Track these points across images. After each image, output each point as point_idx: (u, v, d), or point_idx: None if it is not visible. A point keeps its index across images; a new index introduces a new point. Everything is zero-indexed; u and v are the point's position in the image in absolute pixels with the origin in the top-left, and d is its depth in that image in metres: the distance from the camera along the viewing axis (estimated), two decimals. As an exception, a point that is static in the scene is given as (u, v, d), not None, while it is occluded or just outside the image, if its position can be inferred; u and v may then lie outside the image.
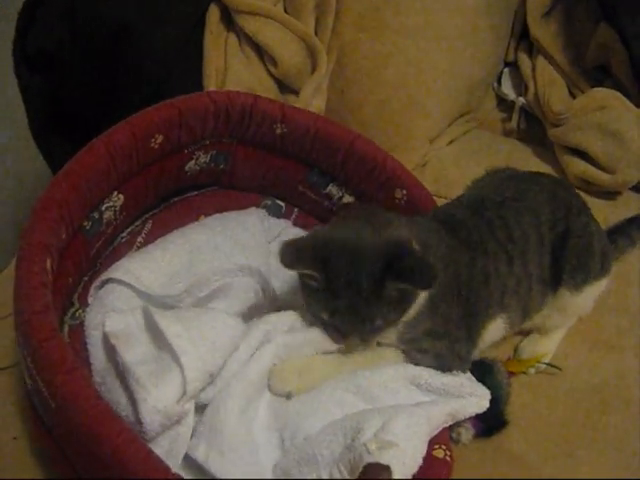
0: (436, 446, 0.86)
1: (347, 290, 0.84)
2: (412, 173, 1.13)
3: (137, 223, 1.12)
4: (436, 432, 0.87)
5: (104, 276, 1.00)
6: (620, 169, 1.31)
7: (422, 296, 0.90)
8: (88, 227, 0.98)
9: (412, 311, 0.90)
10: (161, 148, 1.04)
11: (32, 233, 0.85)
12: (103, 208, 1.00)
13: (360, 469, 0.77)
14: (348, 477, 0.78)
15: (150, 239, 1.09)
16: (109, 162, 0.97)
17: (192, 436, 0.85)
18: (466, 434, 0.96)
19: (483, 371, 0.98)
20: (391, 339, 0.93)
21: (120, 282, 0.99)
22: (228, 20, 1.33)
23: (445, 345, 0.94)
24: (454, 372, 0.95)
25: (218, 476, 0.82)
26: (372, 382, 0.91)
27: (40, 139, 1.31)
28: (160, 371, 0.84)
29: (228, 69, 1.31)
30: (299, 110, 1.14)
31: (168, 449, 0.84)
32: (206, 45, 1.30)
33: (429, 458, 0.83)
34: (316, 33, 1.37)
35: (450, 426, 0.94)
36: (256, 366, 0.90)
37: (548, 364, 1.07)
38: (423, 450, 0.81)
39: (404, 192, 1.09)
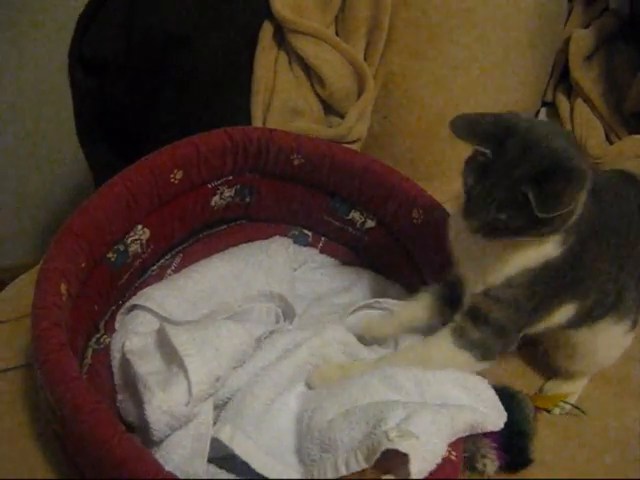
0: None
1: (499, 171, 0.83)
2: (427, 193, 1.14)
3: (167, 257, 1.15)
4: (454, 438, 0.85)
5: (128, 303, 1.04)
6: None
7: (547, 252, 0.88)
8: (113, 259, 1.02)
9: (525, 262, 0.88)
10: (181, 184, 1.08)
11: (49, 260, 0.92)
12: (128, 241, 1.04)
13: (377, 455, 0.77)
14: (364, 464, 0.78)
15: (179, 272, 1.13)
16: (129, 198, 1.01)
17: (216, 423, 0.89)
18: (491, 465, 0.96)
19: (511, 402, 0.97)
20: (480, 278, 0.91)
21: (144, 308, 1.03)
22: (280, 38, 1.35)
23: (513, 318, 0.92)
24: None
25: (242, 456, 0.84)
26: (399, 372, 0.91)
27: (85, 144, 1.33)
28: (169, 378, 0.89)
29: (276, 86, 1.32)
30: (313, 140, 1.17)
31: (191, 450, 0.86)
32: (257, 61, 1.31)
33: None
34: (365, 58, 1.38)
35: (474, 456, 0.94)
36: (289, 361, 0.94)
37: (573, 405, 1.08)
38: (443, 450, 0.80)
39: (420, 212, 1.11)
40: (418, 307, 1.02)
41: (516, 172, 0.82)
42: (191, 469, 0.84)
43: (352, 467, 0.79)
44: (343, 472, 0.79)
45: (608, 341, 1.04)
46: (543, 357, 1.05)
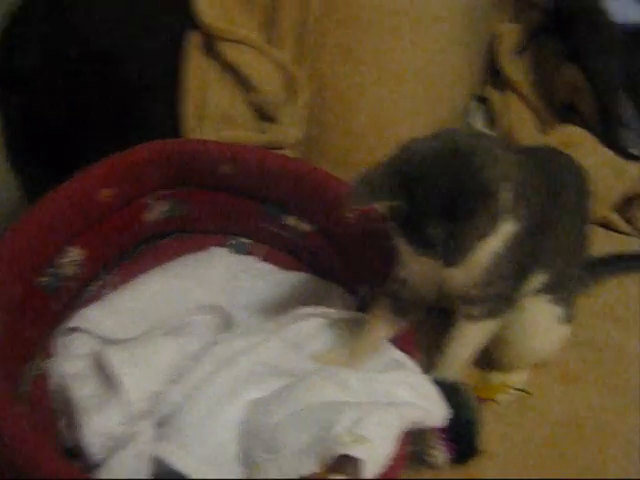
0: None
1: (415, 220, 0.84)
2: None
3: (105, 276, 1.14)
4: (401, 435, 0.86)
5: (65, 326, 1.02)
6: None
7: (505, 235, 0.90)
8: (46, 283, 1.00)
9: (495, 250, 0.90)
10: (111, 202, 1.07)
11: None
12: (60, 263, 1.02)
13: (329, 461, 0.77)
14: (313, 468, 0.78)
15: (117, 290, 1.11)
16: (57, 220, 1.00)
17: (161, 439, 0.87)
18: (441, 457, 0.97)
19: (454, 394, 0.98)
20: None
21: (81, 330, 1.01)
22: (209, 45, 1.34)
23: (505, 287, 0.96)
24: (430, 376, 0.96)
25: (180, 470, 0.83)
26: (347, 372, 0.92)
27: (16, 161, 1.30)
28: (104, 401, 0.88)
29: (207, 95, 1.31)
30: (242, 148, 1.17)
31: (134, 469, 0.85)
32: (186, 70, 1.30)
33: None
34: (297, 63, 1.38)
35: (423, 449, 0.95)
36: (228, 372, 0.93)
37: (519, 389, 1.09)
38: (392, 449, 0.81)
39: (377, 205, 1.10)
40: (381, 323, 1.02)
41: (428, 219, 0.82)
42: None
43: (301, 471, 0.78)
44: (292, 475, 0.79)
45: (542, 324, 1.06)
46: (483, 351, 1.06)
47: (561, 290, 1.04)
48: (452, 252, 0.82)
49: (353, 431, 0.78)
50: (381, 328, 1.00)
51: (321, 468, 0.78)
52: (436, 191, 0.82)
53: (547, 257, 1.00)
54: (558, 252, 1.02)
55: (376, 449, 0.78)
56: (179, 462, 0.84)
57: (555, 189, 1.00)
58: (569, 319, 1.08)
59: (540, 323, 1.06)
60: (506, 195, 0.86)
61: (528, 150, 1.04)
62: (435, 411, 0.91)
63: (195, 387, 0.91)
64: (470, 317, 0.99)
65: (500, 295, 0.97)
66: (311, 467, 0.78)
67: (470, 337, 1.02)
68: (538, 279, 1.02)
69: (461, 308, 1.00)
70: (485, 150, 0.85)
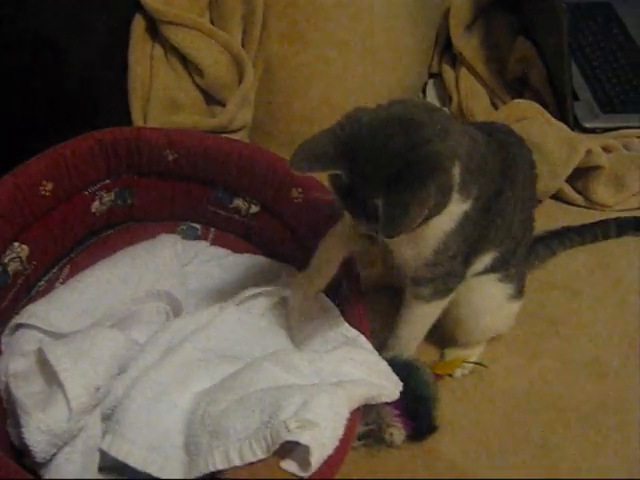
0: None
1: (357, 190, 0.81)
2: None
3: (54, 270, 1.12)
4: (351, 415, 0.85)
5: (12, 323, 1.00)
6: (541, 178, 1.33)
7: (457, 213, 0.88)
8: None
9: (444, 229, 0.89)
10: (53, 195, 1.05)
11: None
12: (6, 260, 1.00)
13: (276, 447, 0.76)
14: (260, 454, 0.77)
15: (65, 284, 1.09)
16: (-3, 215, 0.97)
17: (105, 432, 0.87)
18: (398, 435, 0.98)
19: (408, 371, 0.98)
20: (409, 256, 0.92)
21: (28, 326, 0.99)
22: (154, 30, 1.31)
23: (453, 266, 0.94)
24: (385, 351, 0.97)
25: (122, 459, 0.83)
26: (293, 352, 0.92)
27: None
28: (47, 398, 0.86)
29: (153, 81, 1.30)
30: (184, 133, 1.15)
31: (81, 464, 0.85)
32: (131, 57, 1.28)
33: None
34: (243, 45, 1.36)
35: (380, 427, 0.95)
36: (173, 359, 0.92)
37: (474, 362, 1.10)
38: (340, 432, 0.80)
39: (299, 190, 1.10)
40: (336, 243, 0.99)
41: (369, 189, 0.80)
42: None
43: (247, 457, 0.77)
44: (236, 462, 0.77)
45: (492, 303, 1.06)
46: (436, 329, 1.07)
47: (510, 268, 1.04)
48: (390, 222, 0.78)
49: (299, 415, 0.77)
50: (336, 247, 0.98)
51: (268, 454, 0.77)
52: (379, 160, 0.79)
53: (498, 236, 0.99)
54: (509, 231, 1.01)
55: (323, 433, 0.77)
56: (123, 453, 0.83)
57: (509, 169, 0.98)
58: (519, 295, 1.08)
59: (490, 302, 1.06)
60: (456, 172, 0.84)
61: (482, 127, 1.02)
62: (388, 386, 0.90)
63: (138, 378, 0.89)
64: (419, 297, 0.98)
65: (449, 274, 0.96)
66: (258, 453, 0.77)
67: (420, 316, 1.02)
68: (488, 258, 1.01)
69: (410, 288, 0.99)
70: (435, 123, 0.82)
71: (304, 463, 0.76)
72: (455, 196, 0.86)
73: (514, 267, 1.05)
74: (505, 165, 0.97)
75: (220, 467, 0.78)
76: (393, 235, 0.80)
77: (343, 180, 0.82)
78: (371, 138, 0.80)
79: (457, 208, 0.88)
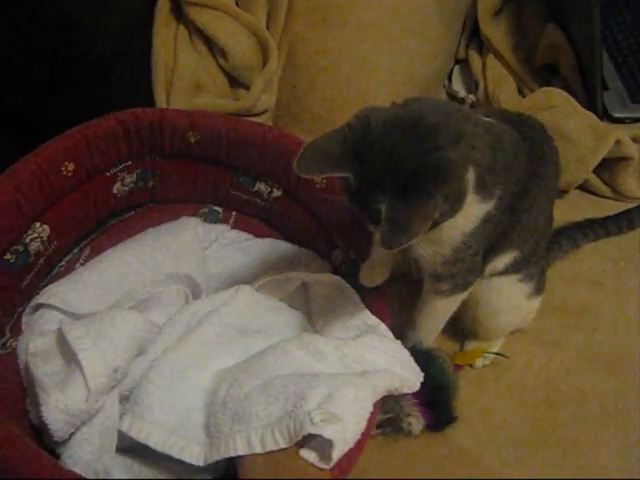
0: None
1: (364, 193, 0.78)
2: None
3: (75, 251, 1.12)
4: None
5: (32, 303, 1.00)
6: (567, 168, 1.33)
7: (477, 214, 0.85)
8: (12, 260, 0.99)
9: (463, 230, 0.86)
10: (75, 175, 1.05)
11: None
12: (27, 240, 1.01)
13: (299, 438, 0.75)
14: (281, 443, 0.76)
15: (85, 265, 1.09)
16: (18, 197, 0.97)
17: (124, 413, 0.87)
18: (417, 424, 0.97)
19: (428, 360, 0.98)
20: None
21: (49, 306, 0.99)
22: (178, 12, 1.31)
23: (474, 263, 0.92)
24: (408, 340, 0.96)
25: (142, 440, 0.83)
26: (318, 338, 0.91)
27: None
28: (66, 377, 0.87)
29: (177, 63, 1.29)
30: (207, 115, 1.14)
31: (99, 445, 0.85)
32: (155, 37, 1.28)
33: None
34: (268, 27, 1.35)
35: (399, 416, 0.95)
36: (193, 339, 0.92)
37: (495, 353, 1.09)
38: (363, 426, 0.78)
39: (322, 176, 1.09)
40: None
41: (375, 193, 0.77)
42: (100, 465, 0.83)
43: (268, 445, 0.76)
44: (257, 449, 0.76)
45: (511, 302, 1.05)
46: (456, 322, 1.06)
47: (530, 267, 1.02)
48: (389, 235, 0.75)
49: (324, 407, 0.76)
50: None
51: (290, 444, 0.76)
52: (387, 165, 0.76)
53: (522, 236, 0.97)
54: (534, 231, 0.98)
55: (347, 427, 0.76)
56: (143, 435, 0.83)
57: (537, 167, 0.94)
58: (538, 292, 1.07)
59: (510, 301, 1.04)
60: (470, 177, 0.81)
61: (512, 120, 0.97)
62: (410, 377, 0.90)
63: (157, 359, 0.90)
64: (438, 292, 0.97)
65: (469, 270, 0.94)
66: (280, 442, 0.76)
67: (439, 310, 1.01)
68: (509, 257, 0.98)
69: (429, 283, 0.98)
70: (450, 126, 0.78)
71: (324, 455, 0.75)
72: (473, 198, 0.83)
73: (534, 265, 1.03)
74: (533, 163, 0.93)
75: (241, 452, 0.77)
76: (392, 247, 0.76)
77: (351, 182, 0.80)
78: (380, 141, 0.77)
79: (477, 210, 0.85)
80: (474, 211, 0.85)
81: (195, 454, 0.82)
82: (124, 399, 0.90)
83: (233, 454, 0.78)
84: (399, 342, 0.94)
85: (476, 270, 0.95)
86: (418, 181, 0.75)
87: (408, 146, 0.76)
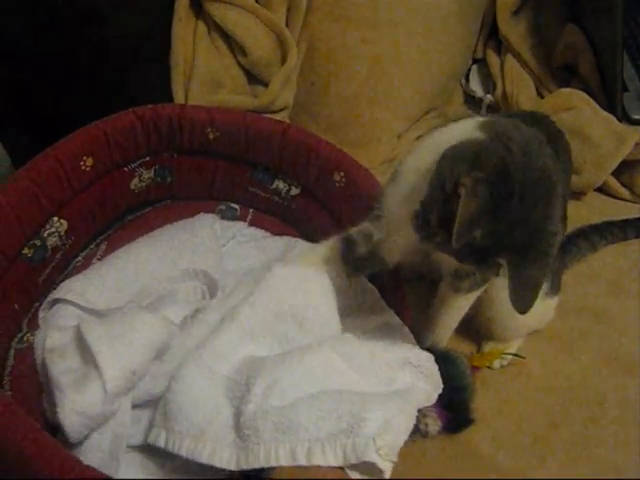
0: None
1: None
2: (348, 155, 1.11)
3: (91, 246, 1.12)
4: None
5: (49, 298, 1.00)
6: (586, 170, 1.33)
7: None
8: (30, 254, 0.99)
9: None
10: (94, 170, 1.05)
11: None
12: (45, 234, 1.01)
13: (358, 461, 0.74)
14: (331, 460, 0.75)
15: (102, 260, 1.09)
16: (37, 191, 0.98)
17: (152, 426, 0.86)
18: (434, 425, 0.96)
19: (445, 361, 0.96)
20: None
21: (66, 302, 0.99)
22: (198, 8, 1.30)
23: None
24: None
25: (176, 451, 0.82)
26: (360, 352, 0.89)
27: (1, 129, 1.27)
28: (83, 378, 0.86)
29: (196, 58, 1.28)
30: (227, 111, 1.14)
31: (109, 452, 0.85)
32: (174, 33, 1.27)
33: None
34: (287, 24, 1.35)
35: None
36: (219, 337, 0.90)
37: (513, 354, 1.08)
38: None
39: (342, 174, 1.09)
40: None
41: (497, 247, 0.76)
42: (109, 472, 0.82)
43: (315, 459, 0.76)
44: (302, 462, 0.76)
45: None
46: (472, 323, 1.05)
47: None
48: (523, 300, 0.76)
49: (387, 440, 0.76)
50: None
51: (343, 463, 0.75)
52: (517, 224, 0.75)
53: None
54: None
55: (395, 454, 0.77)
56: (175, 445, 0.82)
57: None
58: (555, 291, 1.06)
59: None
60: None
61: (535, 121, 0.94)
62: (433, 391, 0.89)
63: (179, 365, 0.88)
64: (458, 289, 0.96)
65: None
66: (329, 458, 0.75)
67: (457, 308, 1.00)
68: None
69: (448, 281, 0.97)
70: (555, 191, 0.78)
71: (358, 468, 0.76)
72: None
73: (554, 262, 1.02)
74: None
75: (283, 463, 0.76)
76: (525, 312, 0.77)
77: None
78: (519, 201, 0.75)
79: None
80: None
81: (225, 458, 0.80)
82: (140, 405, 0.89)
83: (274, 464, 0.77)
84: (427, 353, 0.92)
85: (494, 267, 0.94)
86: (540, 246, 0.76)
87: (537, 210, 0.76)
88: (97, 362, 0.85)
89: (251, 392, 0.82)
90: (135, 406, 0.90)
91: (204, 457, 0.80)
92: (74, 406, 0.82)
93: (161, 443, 0.83)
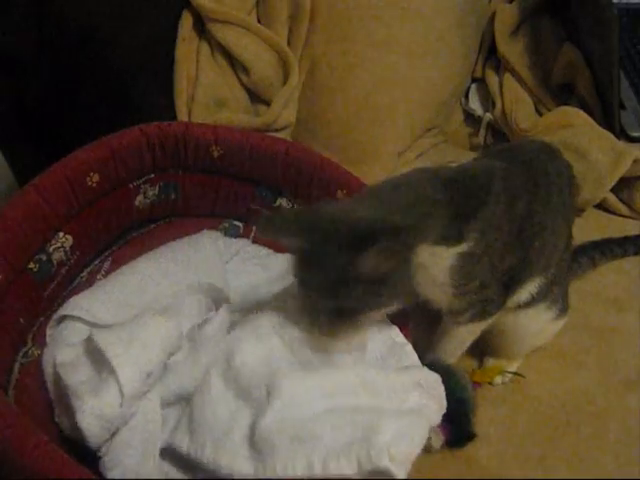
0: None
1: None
2: (350, 173, 1.12)
3: (96, 262, 1.12)
4: None
5: (56, 315, 1.01)
6: (585, 187, 1.33)
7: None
8: (36, 269, 0.99)
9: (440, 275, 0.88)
10: (99, 186, 1.05)
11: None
12: (50, 249, 1.01)
13: (373, 468, 0.75)
14: (347, 470, 0.76)
15: (107, 276, 1.10)
16: (44, 206, 0.98)
17: (177, 429, 0.87)
18: (436, 439, 0.96)
19: (447, 376, 0.95)
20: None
21: (73, 318, 1.00)
22: (201, 28, 1.32)
23: (489, 294, 0.93)
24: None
25: (198, 459, 0.82)
26: (377, 377, 0.89)
27: (7, 149, 1.29)
28: (99, 383, 0.87)
29: (199, 77, 1.30)
30: (231, 130, 1.15)
31: (142, 451, 0.85)
32: (178, 52, 1.29)
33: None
34: (289, 44, 1.37)
35: None
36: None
37: (514, 373, 1.09)
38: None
39: (345, 192, 1.10)
40: None
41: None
42: (144, 469, 0.82)
43: (331, 470, 0.76)
44: (317, 472, 0.76)
45: (537, 328, 1.05)
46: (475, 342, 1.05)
47: (554, 290, 1.02)
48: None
49: (402, 449, 0.77)
50: None
51: (359, 474, 0.76)
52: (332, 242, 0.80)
53: (542, 260, 0.97)
54: (553, 253, 0.98)
55: (409, 464, 0.77)
56: (197, 452, 0.82)
57: (536, 189, 0.95)
58: (563, 313, 1.06)
59: (535, 327, 1.05)
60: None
61: (501, 154, 1.00)
62: (440, 411, 0.90)
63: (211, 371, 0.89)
64: (457, 322, 0.97)
65: (485, 301, 0.94)
66: (345, 469, 0.76)
67: (459, 338, 1.01)
68: (534, 285, 0.99)
69: (447, 316, 0.98)
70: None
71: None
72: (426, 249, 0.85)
73: (557, 286, 1.02)
74: (531, 187, 0.94)
75: (299, 475, 0.76)
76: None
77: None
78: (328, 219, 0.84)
79: (445, 254, 0.87)
80: (449, 253, 0.87)
81: (244, 471, 0.80)
82: (165, 405, 0.90)
83: (291, 475, 0.77)
84: (437, 376, 0.92)
85: (493, 301, 0.95)
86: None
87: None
88: (112, 366, 0.85)
89: (270, 405, 0.82)
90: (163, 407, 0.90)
91: (223, 470, 0.80)
92: (93, 410, 0.82)
93: (185, 447, 0.83)
